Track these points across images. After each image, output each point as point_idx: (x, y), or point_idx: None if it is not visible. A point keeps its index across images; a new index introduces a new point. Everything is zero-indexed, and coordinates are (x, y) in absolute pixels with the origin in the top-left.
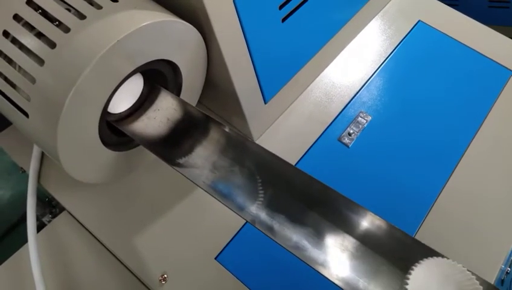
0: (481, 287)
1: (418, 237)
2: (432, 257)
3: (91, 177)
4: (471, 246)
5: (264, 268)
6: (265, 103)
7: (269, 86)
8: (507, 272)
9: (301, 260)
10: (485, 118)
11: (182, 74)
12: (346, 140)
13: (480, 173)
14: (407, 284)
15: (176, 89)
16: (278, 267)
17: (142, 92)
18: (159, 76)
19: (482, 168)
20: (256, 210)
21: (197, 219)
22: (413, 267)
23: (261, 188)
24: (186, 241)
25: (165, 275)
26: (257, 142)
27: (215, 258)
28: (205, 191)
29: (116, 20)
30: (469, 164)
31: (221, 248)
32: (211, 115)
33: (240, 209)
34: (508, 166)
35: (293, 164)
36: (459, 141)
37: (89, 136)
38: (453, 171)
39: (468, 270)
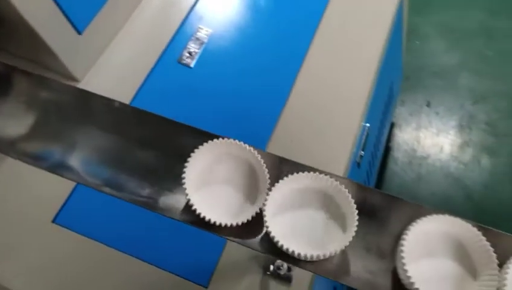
0: (337, 182)
1: (273, 139)
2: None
3: None
4: (323, 139)
5: (110, 217)
6: (80, 34)
7: (78, 11)
8: (361, 156)
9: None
10: (322, 17)
11: None
12: (187, 60)
13: (322, 71)
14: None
15: None
16: (123, 213)
17: None
18: None
19: (323, 67)
20: (76, 161)
21: (21, 187)
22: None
23: (81, 134)
24: (14, 212)
25: None
26: (85, 79)
27: (53, 221)
28: (16, 159)
29: None
30: (311, 64)
31: (58, 209)
32: (21, 62)
33: (58, 167)
34: (347, 59)
35: (131, 96)
36: (300, 43)
37: None
38: (297, 74)
39: (326, 175)
